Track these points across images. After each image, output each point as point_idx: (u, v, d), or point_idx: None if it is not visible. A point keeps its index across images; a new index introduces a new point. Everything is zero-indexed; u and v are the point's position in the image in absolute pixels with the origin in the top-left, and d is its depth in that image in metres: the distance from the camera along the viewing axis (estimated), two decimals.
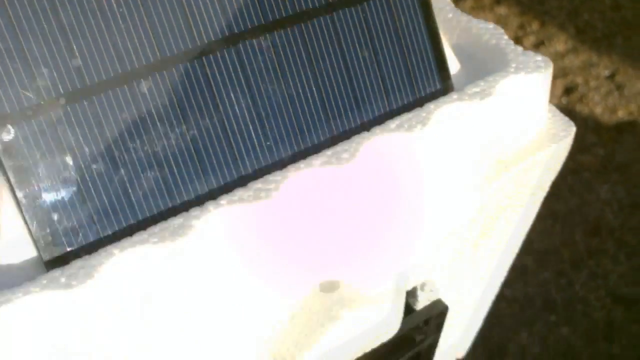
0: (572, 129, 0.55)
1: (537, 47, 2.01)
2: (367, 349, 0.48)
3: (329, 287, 0.46)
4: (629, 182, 1.77)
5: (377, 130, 0.45)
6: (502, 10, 2.06)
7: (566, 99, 1.91)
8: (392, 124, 0.45)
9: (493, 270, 0.57)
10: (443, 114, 0.46)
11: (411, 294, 0.54)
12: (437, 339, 0.55)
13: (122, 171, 0.40)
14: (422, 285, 0.53)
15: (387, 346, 0.56)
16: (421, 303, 0.54)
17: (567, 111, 1.89)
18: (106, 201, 0.40)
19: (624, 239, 1.71)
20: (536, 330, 1.61)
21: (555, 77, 1.94)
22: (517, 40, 2.01)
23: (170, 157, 0.41)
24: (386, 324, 0.47)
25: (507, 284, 1.69)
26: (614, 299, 1.64)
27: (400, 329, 0.51)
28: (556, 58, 1.98)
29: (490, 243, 0.53)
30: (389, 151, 0.45)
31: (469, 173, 0.49)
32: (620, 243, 1.70)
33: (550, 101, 1.88)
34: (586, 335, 1.59)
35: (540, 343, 1.59)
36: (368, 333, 0.47)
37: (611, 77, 1.95)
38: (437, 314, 0.52)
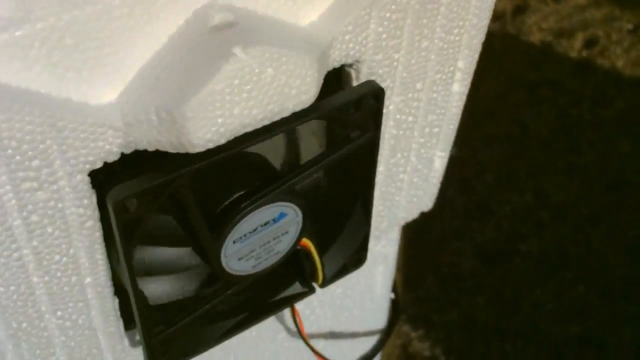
0: None
1: (558, 0, 1.91)
2: (276, 115, 0.39)
3: (224, 24, 0.37)
4: None
5: None
6: None
7: (586, 52, 1.81)
8: None
9: (447, 78, 0.48)
10: None
11: (340, 75, 0.45)
12: (376, 139, 0.45)
13: None
14: (354, 65, 0.43)
15: (317, 142, 0.48)
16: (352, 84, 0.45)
17: (587, 64, 1.79)
18: None
19: None
20: (551, 287, 1.53)
21: (575, 30, 1.84)
22: None
23: None
24: (299, 78, 0.38)
25: (521, 238, 1.61)
26: (633, 256, 1.53)
27: (327, 113, 0.42)
28: (576, 11, 1.88)
29: (437, 25, 0.44)
30: None
31: None
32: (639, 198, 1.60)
33: (570, 54, 1.77)
34: (603, 292, 1.50)
35: (554, 300, 1.51)
36: (275, 91, 0.38)
37: (634, 30, 1.84)
38: (370, 93, 0.43)
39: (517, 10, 1.89)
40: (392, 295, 0.67)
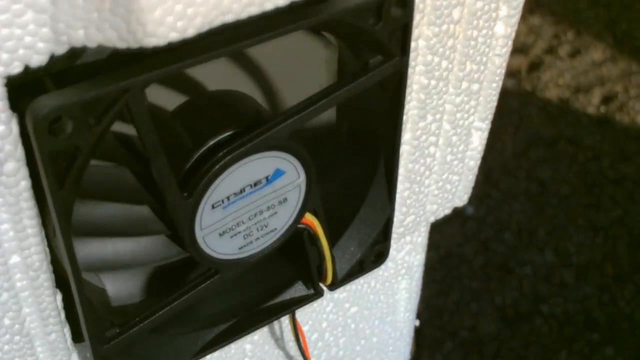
0: None
1: (573, 55, 1.81)
2: (267, 0, 0.27)
3: None
4: None
5: None
6: (536, 20, 1.89)
7: (605, 108, 1.70)
8: None
9: (490, 10, 0.36)
10: None
11: None
12: (404, 69, 0.33)
13: None
14: None
15: (324, 79, 0.35)
16: None
17: (606, 120, 1.68)
18: None
19: None
20: (577, 350, 1.40)
21: (592, 86, 1.74)
22: (551, 49, 1.82)
23: None
24: None
25: (543, 299, 1.46)
26: None
27: (338, 15, 0.30)
28: (593, 67, 1.78)
29: None
30: None
31: None
32: None
33: (588, 110, 1.67)
34: (633, 355, 1.36)
35: None
36: None
37: None
38: None
39: (532, 66, 1.79)
40: (417, 323, 0.53)
